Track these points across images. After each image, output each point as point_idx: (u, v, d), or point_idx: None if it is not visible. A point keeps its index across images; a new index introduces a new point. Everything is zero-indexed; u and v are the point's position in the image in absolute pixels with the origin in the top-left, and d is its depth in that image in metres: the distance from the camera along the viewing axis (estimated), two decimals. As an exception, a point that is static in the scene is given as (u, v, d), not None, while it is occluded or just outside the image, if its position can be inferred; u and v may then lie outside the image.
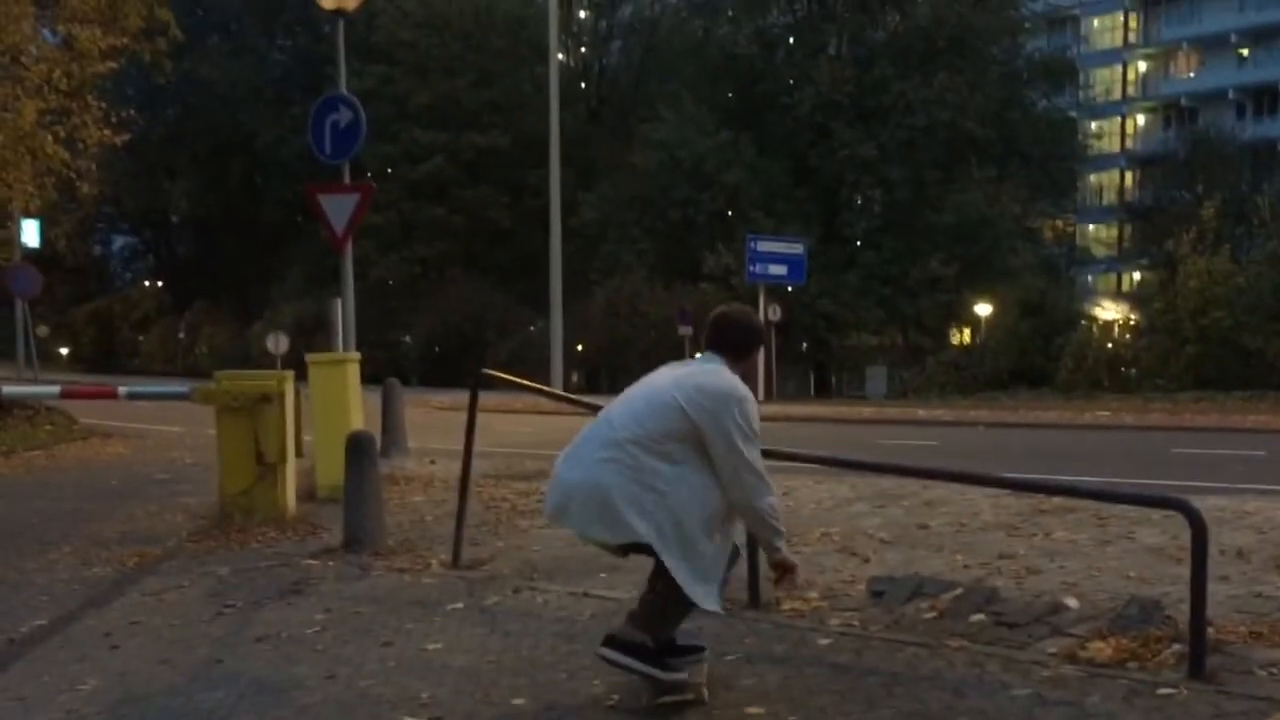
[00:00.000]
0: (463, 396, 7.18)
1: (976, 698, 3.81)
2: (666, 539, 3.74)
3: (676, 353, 27.58)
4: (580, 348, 38.31)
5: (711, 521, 3.82)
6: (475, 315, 45.54)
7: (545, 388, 8.72)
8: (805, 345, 40.65)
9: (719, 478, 3.77)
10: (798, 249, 32.10)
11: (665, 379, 3.93)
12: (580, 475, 3.82)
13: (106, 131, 17.21)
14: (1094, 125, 54.14)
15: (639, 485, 3.72)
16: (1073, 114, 49.88)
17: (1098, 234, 58.13)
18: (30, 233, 26.02)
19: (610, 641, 3.83)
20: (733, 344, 4.00)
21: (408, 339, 49.49)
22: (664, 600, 3.87)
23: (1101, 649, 4.21)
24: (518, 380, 7.05)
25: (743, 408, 3.78)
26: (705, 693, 3.92)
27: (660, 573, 3.87)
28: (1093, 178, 57.06)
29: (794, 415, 22.56)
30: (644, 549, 3.80)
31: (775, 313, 31.46)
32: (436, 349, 46.89)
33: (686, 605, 3.87)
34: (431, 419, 19.06)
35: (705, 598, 3.80)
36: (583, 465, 3.83)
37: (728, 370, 3.92)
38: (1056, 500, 7.38)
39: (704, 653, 4.07)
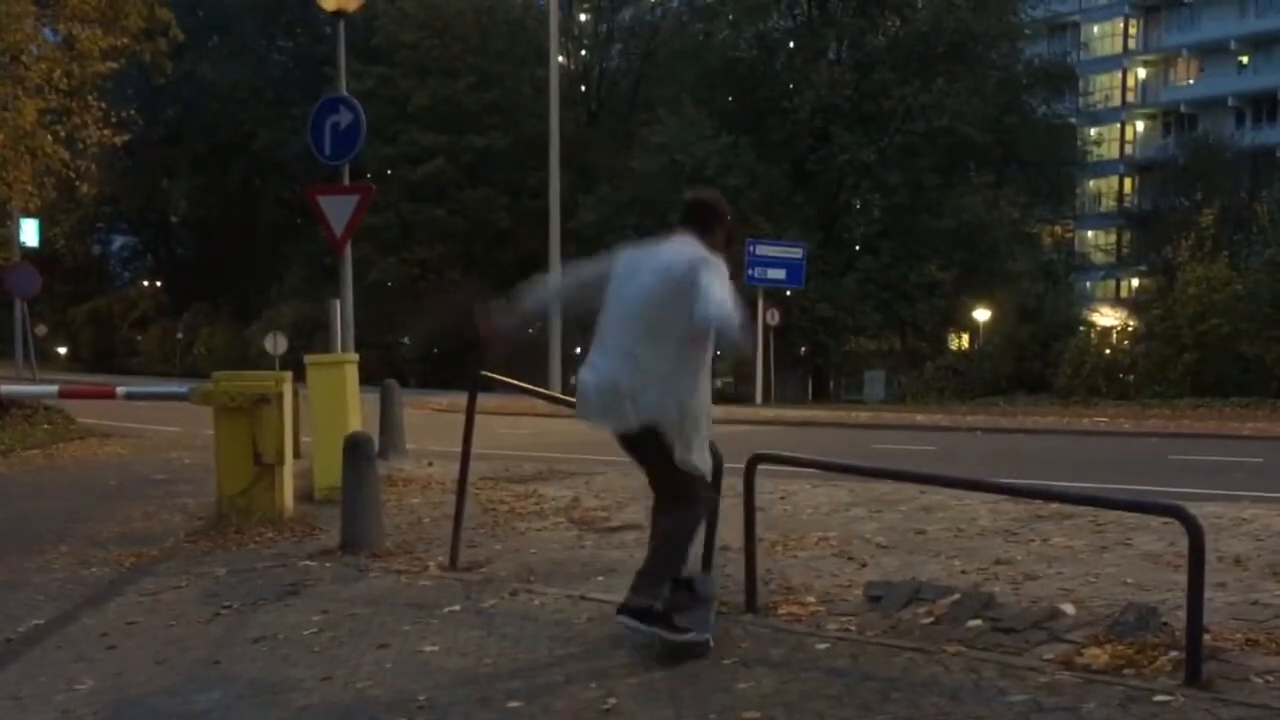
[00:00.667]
0: (461, 398, 7.18)
1: (973, 703, 3.81)
2: (669, 418, 4.20)
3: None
4: (579, 350, 38.31)
5: (706, 399, 4.38)
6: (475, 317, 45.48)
7: (543, 390, 8.72)
8: (803, 349, 40.62)
9: (696, 313, 4.08)
10: (796, 253, 32.13)
11: (642, 266, 4.41)
12: (592, 375, 4.35)
13: (106, 131, 17.18)
14: (1093, 131, 54.21)
15: (641, 374, 4.18)
16: (1072, 120, 49.88)
17: (1096, 240, 58.16)
18: (29, 232, 26.00)
19: (623, 610, 4.31)
20: (700, 220, 4.55)
21: (406, 340, 49.44)
22: (665, 545, 4.37)
23: (1098, 655, 4.20)
24: (516, 383, 7.05)
25: (707, 265, 4.23)
26: (711, 642, 4.37)
27: (661, 494, 4.46)
28: (1092, 184, 57.09)
29: (791, 419, 22.59)
30: (650, 448, 4.30)
31: (773, 317, 31.46)
32: (435, 350, 46.84)
33: (684, 542, 4.41)
34: (430, 421, 19.07)
35: (701, 463, 4.38)
36: (594, 367, 4.37)
37: (699, 243, 4.39)
38: (1054, 506, 7.38)
39: (713, 604, 4.54)
